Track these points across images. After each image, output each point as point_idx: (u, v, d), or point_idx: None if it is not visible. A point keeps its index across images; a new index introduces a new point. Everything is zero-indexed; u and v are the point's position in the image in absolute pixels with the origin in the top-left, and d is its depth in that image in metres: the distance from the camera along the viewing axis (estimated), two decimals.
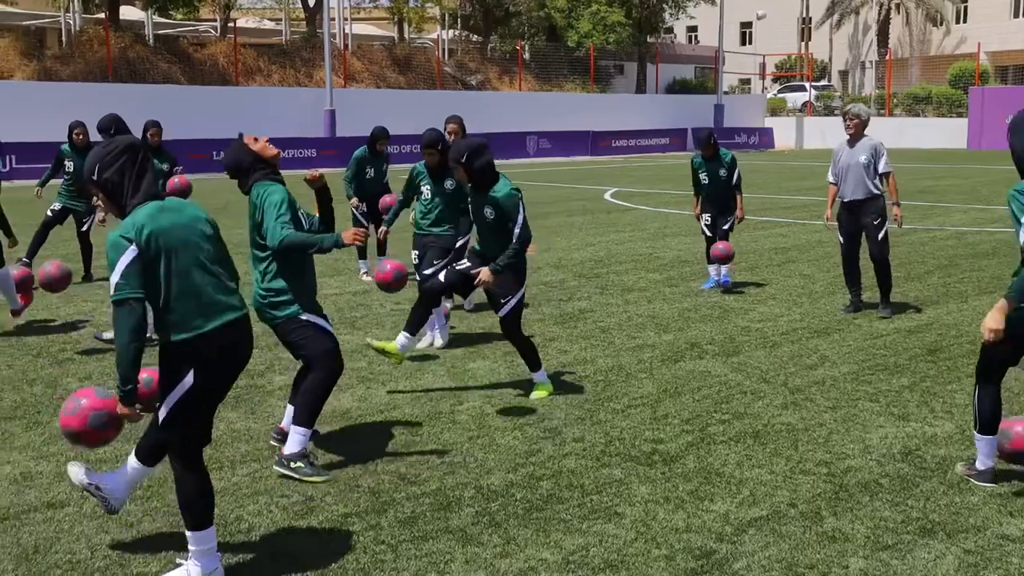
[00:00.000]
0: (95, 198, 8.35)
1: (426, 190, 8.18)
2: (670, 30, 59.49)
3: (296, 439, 5.27)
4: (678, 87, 51.02)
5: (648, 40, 48.54)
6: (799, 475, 5.22)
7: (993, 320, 4.69)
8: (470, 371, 7.39)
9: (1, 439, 5.87)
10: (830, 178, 9.14)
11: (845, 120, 8.95)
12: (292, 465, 5.24)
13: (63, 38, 36.21)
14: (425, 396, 6.75)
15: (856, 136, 8.94)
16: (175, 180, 9.84)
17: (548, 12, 45.65)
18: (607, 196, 22.12)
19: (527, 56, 45.31)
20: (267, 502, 4.92)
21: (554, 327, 8.82)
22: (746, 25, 64.60)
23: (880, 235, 8.90)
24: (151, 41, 35.62)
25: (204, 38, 40.99)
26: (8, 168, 25.70)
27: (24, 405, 6.55)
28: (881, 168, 8.86)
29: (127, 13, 38.48)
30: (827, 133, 45.28)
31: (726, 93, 47.94)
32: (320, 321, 5.37)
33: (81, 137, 11.15)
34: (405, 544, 4.42)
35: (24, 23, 38.88)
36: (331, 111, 33.05)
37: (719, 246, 10.17)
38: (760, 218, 16.86)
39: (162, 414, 3.99)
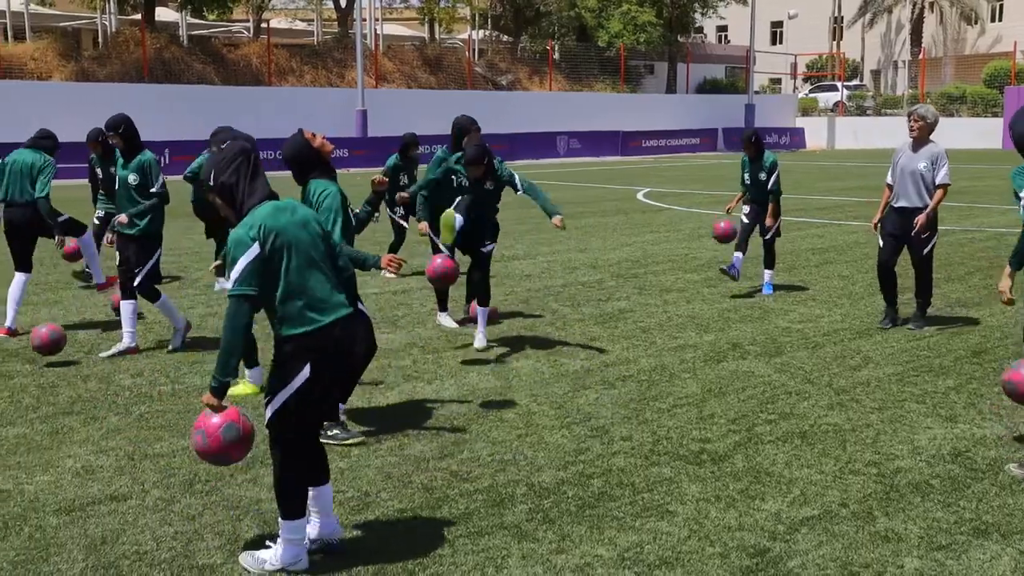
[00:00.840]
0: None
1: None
2: (700, 30, 59.30)
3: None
4: (708, 87, 50.87)
5: (678, 40, 48.42)
6: (849, 475, 5.24)
7: (1002, 284, 5.80)
8: (515, 370, 7.46)
9: (61, 434, 6.00)
10: (888, 180, 8.70)
11: (909, 120, 8.47)
12: (329, 433, 5.59)
13: (99, 39, 36.66)
14: (471, 395, 6.83)
15: (920, 140, 8.47)
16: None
17: (578, 12, 45.65)
18: (639, 196, 22.12)
19: (557, 56, 45.35)
20: None
21: (594, 327, 8.88)
22: (777, 24, 64.30)
23: (926, 249, 8.49)
24: (185, 42, 36.00)
25: (237, 39, 41.36)
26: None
27: (80, 400, 6.69)
28: (939, 179, 8.36)
29: (162, 14, 38.91)
30: (859, 133, 45.01)
31: (757, 93, 47.76)
32: None
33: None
34: (461, 540, 4.50)
35: (61, 24, 39.38)
36: (363, 111, 33.27)
37: (721, 224, 10.32)
38: (795, 219, 16.82)
39: (275, 405, 4.09)
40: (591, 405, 6.55)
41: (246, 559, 4.24)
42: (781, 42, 63.96)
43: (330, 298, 4.12)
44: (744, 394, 6.77)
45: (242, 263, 3.92)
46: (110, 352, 7.89)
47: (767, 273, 10.39)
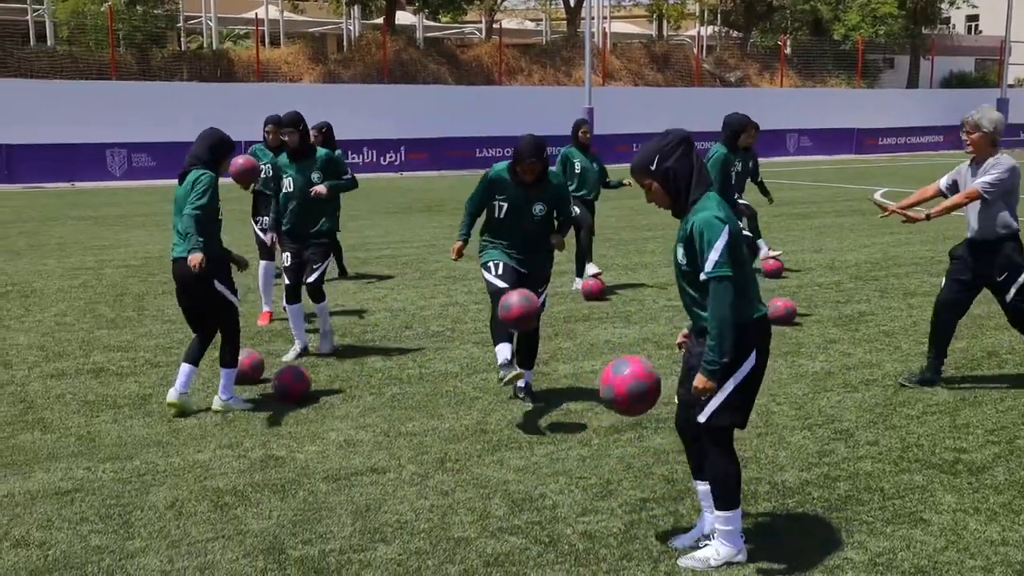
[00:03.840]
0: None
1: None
2: (947, 20, 55.73)
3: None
4: (955, 81, 47.74)
5: (923, 32, 45.74)
6: None
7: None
8: None
9: (324, 409, 6.49)
10: (942, 183, 6.93)
11: (962, 133, 6.62)
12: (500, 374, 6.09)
13: (344, 43, 38.91)
14: None
15: (980, 155, 6.55)
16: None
17: (813, 5, 44.02)
18: (877, 196, 21.10)
19: (789, 51, 43.95)
20: (567, 482, 5.17)
21: (833, 329, 8.62)
22: None
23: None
24: (421, 44, 37.59)
25: (470, 40, 42.75)
26: None
27: (338, 380, 7.20)
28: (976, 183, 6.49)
29: (400, 18, 40.78)
30: None
31: (1011, 87, 44.37)
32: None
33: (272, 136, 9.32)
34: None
35: (310, 30, 42.10)
36: (589, 109, 33.56)
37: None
38: None
39: (718, 400, 4.10)
40: (833, 407, 6.39)
41: (686, 562, 4.21)
42: None
43: (758, 293, 4.22)
44: (1003, 404, 6.39)
45: (719, 245, 3.97)
46: (288, 356, 7.73)
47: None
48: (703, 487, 4.39)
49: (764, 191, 11.54)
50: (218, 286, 6.33)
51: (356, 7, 37.74)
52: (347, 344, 8.25)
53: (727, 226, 4.01)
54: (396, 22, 38.35)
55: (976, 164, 6.59)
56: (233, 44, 40.19)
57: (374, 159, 28.96)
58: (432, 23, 41.69)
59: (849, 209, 18.50)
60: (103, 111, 26.60)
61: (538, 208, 6.42)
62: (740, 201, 10.53)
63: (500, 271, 6.42)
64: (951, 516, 4.67)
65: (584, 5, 33.57)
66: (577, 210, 10.38)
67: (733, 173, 10.60)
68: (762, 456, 5.53)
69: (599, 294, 10.01)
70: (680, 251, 4.18)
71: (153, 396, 6.75)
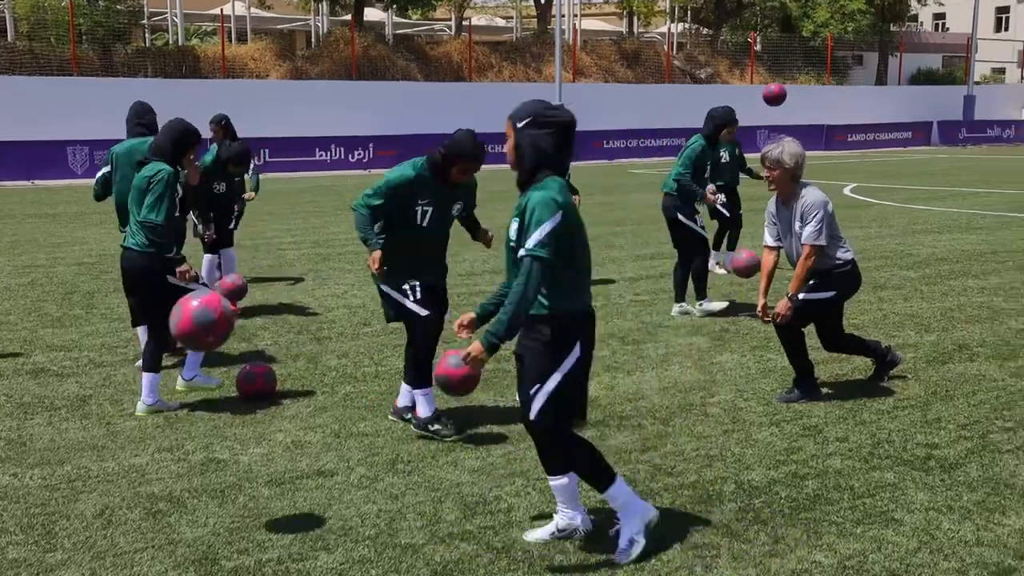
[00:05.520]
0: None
1: None
2: (915, 18, 56.04)
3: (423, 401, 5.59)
4: (923, 78, 47.98)
5: (891, 29, 45.91)
6: None
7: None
8: (718, 364, 7.16)
9: (273, 409, 6.20)
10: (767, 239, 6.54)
11: (763, 168, 6.26)
12: (431, 428, 5.54)
13: (312, 39, 38.47)
14: (673, 388, 6.59)
15: (784, 192, 6.22)
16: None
17: (783, 2, 44.08)
18: (847, 191, 21.08)
19: (759, 48, 43.96)
20: (524, 484, 4.92)
21: None
22: (1003, 10, 60.00)
23: None
24: (391, 41, 37.23)
25: (439, 36, 42.42)
26: (262, 162, 27.56)
27: (290, 378, 6.90)
28: (804, 237, 6.05)
29: (369, 15, 40.39)
30: None
31: (977, 84, 44.65)
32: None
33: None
34: (669, 536, 4.28)
35: (278, 26, 41.61)
36: (559, 105, 33.33)
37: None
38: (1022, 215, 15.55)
39: (543, 397, 3.99)
40: (802, 403, 6.17)
41: (622, 559, 4.09)
42: (1007, 28, 59.62)
43: (589, 284, 4.13)
44: (975, 399, 6.21)
45: (547, 226, 3.82)
46: None
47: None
48: (555, 483, 4.23)
49: (754, 175, 11.29)
50: (173, 280, 6.07)
51: (324, 3, 37.32)
52: (303, 341, 7.96)
53: (561, 212, 3.85)
54: (365, 19, 37.95)
55: (783, 201, 6.25)
56: (200, 41, 39.63)
57: (342, 156, 28.59)
58: (401, 20, 41.33)
59: None
60: (64, 108, 26.06)
61: (456, 208, 5.73)
62: (719, 207, 10.29)
63: (420, 294, 5.60)
64: (923, 515, 4.46)
65: (555, 2, 33.34)
66: None
67: (720, 164, 10.45)
68: (728, 454, 5.30)
69: None
70: (513, 227, 3.98)
71: (93, 397, 6.43)
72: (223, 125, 9.82)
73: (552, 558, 4.11)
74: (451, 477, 5.01)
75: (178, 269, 6.05)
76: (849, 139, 38.86)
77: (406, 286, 5.59)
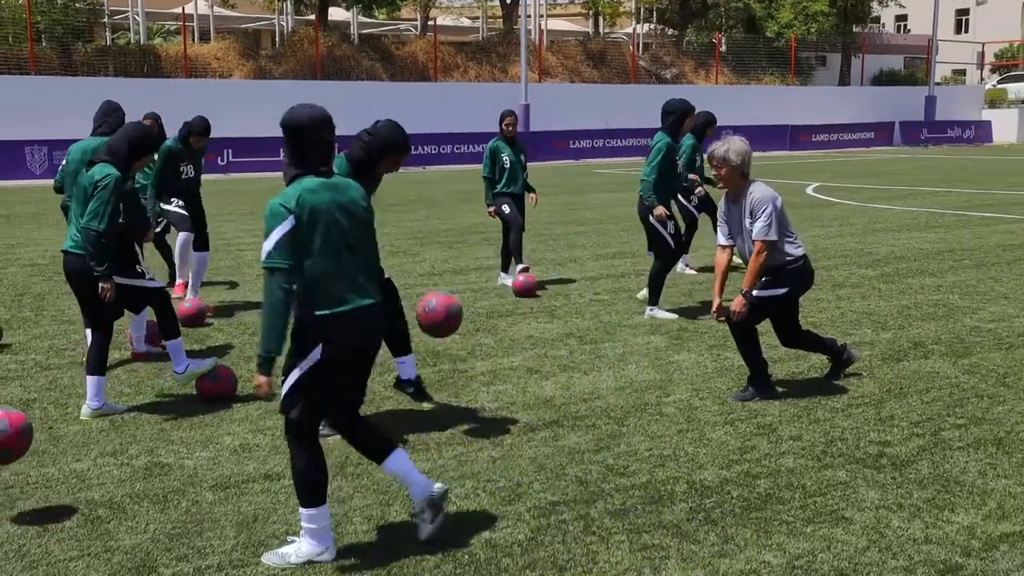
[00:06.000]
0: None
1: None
2: (877, 19, 56.59)
3: None
4: (885, 79, 48.45)
5: (853, 30, 46.32)
6: None
7: None
8: (675, 363, 7.13)
9: (222, 412, 6.08)
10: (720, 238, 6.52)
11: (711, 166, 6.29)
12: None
13: (276, 39, 38.17)
14: (629, 387, 6.55)
15: (734, 190, 6.23)
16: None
17: (747, 3, 44.34)
18: (809, 191, 21.18)
19: (724, 48, 44.19)
20: (474, 486, 4.85)
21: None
22: (962, 12, 60.76)
23: None
24: (356, 40, 37.01)
25: (405, 36, 42.24)
26: (225, 162, 27.28)
27: (242, 380, 6.78)
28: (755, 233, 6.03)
29: (334, 14, 40.15)
30: None
31: (938, 84, 45.15)
32: None
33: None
34: (617, 536, 4.24)
35: (242, 25, 41.25)
36: (525, 105, 33.30)
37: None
38: (983, 214, 15.68)
39: (286, 387, 4.00)
40: (757, 402, 6.15)
41: (268, 558, 4.03)
42: (967, 30, 60.37)
43: (359, 285, 4.02)
44: (928, 396, 6.22)
45: (275, 235, 3.83)
46: None
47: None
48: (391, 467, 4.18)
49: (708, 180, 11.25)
50: (119, 279, 5.95)
51: (288, 3, 37.04)
52: (256, 343, 7.83)
53: (293, 216, 3.81)
54: (330, 18, 37.72)
55: (732, 199, 6.22)
56: (163, 40, 39.18)
57: None
58: (367, 19, 41.11)
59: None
60: (22, 107, 25.67)
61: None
62: (690, 202, 10.25)
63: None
64: (873, 513, 4.44)
65: (520, 2, 33.30)
66: (507, 209, 9.99)
67: (699, 162, 10.30)
68: (681, 454, 5.26)
69: (533, 291, 9.66)
70: None
71: (37, 401, 6.28)
72: (159, 123, 9.44)
73: (498, 561, 4.05)
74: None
75: (101, 284, 5.84)
76: (813, 139, 39.17)
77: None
